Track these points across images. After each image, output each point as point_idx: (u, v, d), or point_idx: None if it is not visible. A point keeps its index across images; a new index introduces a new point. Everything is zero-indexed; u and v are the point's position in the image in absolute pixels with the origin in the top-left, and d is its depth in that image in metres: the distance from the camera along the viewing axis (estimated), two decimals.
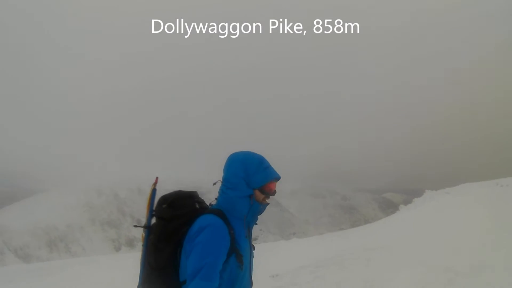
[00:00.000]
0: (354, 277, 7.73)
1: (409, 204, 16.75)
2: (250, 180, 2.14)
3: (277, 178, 2.22)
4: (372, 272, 7.75)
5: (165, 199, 2.13)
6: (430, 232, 10.32)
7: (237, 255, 2.02)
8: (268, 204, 2.20)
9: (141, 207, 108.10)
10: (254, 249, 2.28)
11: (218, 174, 2.31)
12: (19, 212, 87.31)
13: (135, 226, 2.44)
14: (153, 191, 2.16)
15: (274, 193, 2.21)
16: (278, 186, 2.31)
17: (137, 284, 2.12)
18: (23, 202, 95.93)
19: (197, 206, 2.14)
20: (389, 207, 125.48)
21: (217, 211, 2.08)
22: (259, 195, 2.17)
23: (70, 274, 11.99)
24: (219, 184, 2.24)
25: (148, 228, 2.13)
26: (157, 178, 2.24)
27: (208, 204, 2.23)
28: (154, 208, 2.15)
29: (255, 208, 2.16)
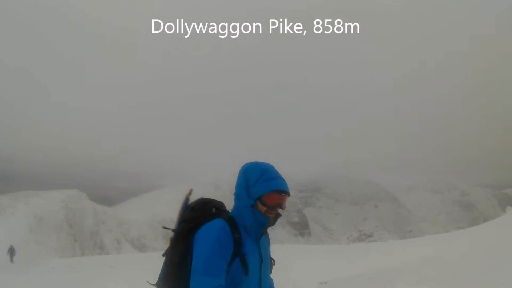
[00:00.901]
0: None
1: None
2: (250, 190, 2.14)
3: (280, 190, 2.12)
4: None
5: (190, 205, 2.27)
6: None
7: (242, 259, 2.05)
8: (274, 216, 2.15)
9: None
10: (274, 263, 2.35)
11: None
12: (138, 205, 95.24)
13: (164, 227, 2.60)
14: (186, 201, 2.30)
15: (276, 206, 2.12)
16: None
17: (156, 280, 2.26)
18: (143, 196, 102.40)
19: (213, 210, 2.23)
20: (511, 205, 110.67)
21: (228, 216, 2.16)
22: (260, 206, 2.13)
23: None
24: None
25: (174, 231, 2.26)
26: (191, 190, 2.38)
27: (227, 212, 2.29)
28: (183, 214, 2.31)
29: (259, 219, 2.14)
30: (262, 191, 2.11)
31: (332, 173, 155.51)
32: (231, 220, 2.12)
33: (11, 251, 30.08)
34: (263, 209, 2.12)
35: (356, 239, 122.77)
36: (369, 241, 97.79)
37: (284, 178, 2.20)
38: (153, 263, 10.35)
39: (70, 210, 60.89)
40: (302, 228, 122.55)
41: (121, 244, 68.47)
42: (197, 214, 2.19)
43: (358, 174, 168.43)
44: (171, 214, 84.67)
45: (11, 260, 29.55)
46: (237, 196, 2.19)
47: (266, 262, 2.25)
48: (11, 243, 32.74)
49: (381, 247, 22.51)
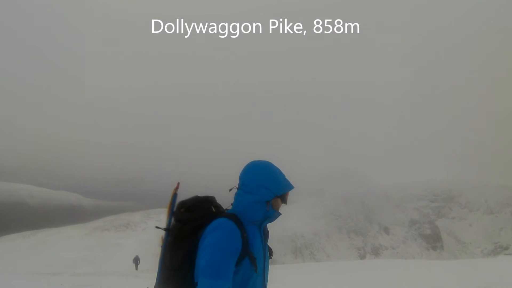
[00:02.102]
0: None
1: None
2: (273, 186, 2.26)
3: (292, 188, 2.39)
4: None
5: (183, 203, 2.27)
6: None
7: (251, 258, 2.10)
8: (280, 214, 2.34)
9: (389, 214, 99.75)
10: (272, 254, 2.45)
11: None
12: None
13: (157, 227, 2.45)
14: (174, 196, 2.30)
15: (286, 202, 2.38)
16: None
17: (154, 283, 2.24)
18: None
19: (213, 209, 2.26)
20: None
21: (231, 215, 2.18)
22: (278, 202, 2.31)
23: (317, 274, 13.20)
24: (234, 190, 2.36)
25: (167, 230, 2.25)
26: (178, 183, 2.37)
27: (225, 209, 2.34)
28: (174, 212, 2.30)
29: (270, 215, 2.28)
30: (286, 188, 2.32)
31: (466, 180, 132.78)
32: (236, 219, 2.16)
33: (136, 260, 33.08)
34: (279, 205, 2.32)
35: (491, 252, 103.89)
36: (505, 254, 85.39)
37: None
38: (282, 276, 13.34)
39: None
40: (434, 241, 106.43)
41: None
42: (195, 215, 2.20)
43: (492, 179, 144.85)
44: (303, 229, 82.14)
45: (136, 267, 32.32)
46: (253, 191, 2.24)
47: (267, 254, 2.34)
48: (136, 254, 36.02)
49: None
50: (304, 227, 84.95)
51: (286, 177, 2.38)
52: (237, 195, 2.31)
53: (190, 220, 2.18)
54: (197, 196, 2.32)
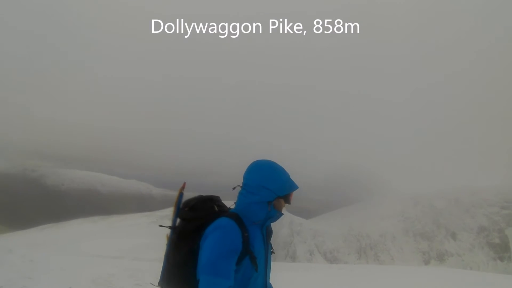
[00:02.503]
0: None
1: None
2: (275, 187, 2.26)
3: (296, 188, 2.39)
4: None
5: (187, 202, 2.32)
6: None
7: (251, 257, 2.13)
8: (282, 214, 2.34)
9: (458, 219, 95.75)
10: (273, 252, 2.46)
11: None
12: (335, 219, 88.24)
13: (160, 226, 2.57)
14: (180, 195, 2.34)
15: (290, 203, 2.38)
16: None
17: (158, 280, 2.28)
18: (340, 210, 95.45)
19: (216, 209, 2.29)
20: None
21: (234, 214, 2.22)
22: (281, 203, 2.32)
23: (375, 280, 13.13)
24: (238, 189, 2.38)
25: (172, 228, 2.30)
26: (184, 183, 2.41)
27: (228, 208, 2.38)
28: (179, 210, 2.35)
29: (272, 215, 2.29)
30: (290, 188, 2.32)
31: None
32: (237, 218, 2.19)
33: None
34: (282, 205, 2.32)
35: None
36: None
37: None
38: (345, 275, 13.33)
39: None
40: (502, 251, 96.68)
41: (313, 255, 69.42)
42: (199, 214, 2.23)
43: None
44: (367, 229, 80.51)
45: None
46: (256, 191, 2.25)
47: (269, 253, 2.37)
48: None
49: None
50: (371, 227, 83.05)
51: (293, 176, 2.38)
52: (240, 194, 2.33)
53: (193, 218, 2.22)
54: (201, 195, 2.35)
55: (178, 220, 2.30)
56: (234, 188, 2.37)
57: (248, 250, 2.12)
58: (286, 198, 2.32)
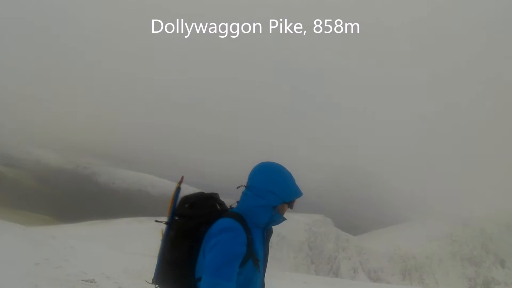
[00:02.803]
0: None
1: None
2: (282, 193, 2.20)
3: (301, 195, 2.33)
4: None
5: (187, 199, 2.23)
6: None
7: (254, 259, 2.09)
8: (285, 219, 2.29)
9: (508, 246, 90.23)
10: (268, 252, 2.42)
11: None
12: (383, 237, 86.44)
13: (156, 221, 2.48)
14: (178, 190, 2.27)
15: (292, 208, 2.34)
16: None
17: (152, 277, 2.20)
18: (388, 228, 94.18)
19: (218, 207, 2.22)
20: None
21: (237, 215, 2.14)
22: (285, 207, 2.26)
23: None
24: (241, 188, 2.31)
25: (168, 224, 2.20)
26: (182, 177, 2.36)
27: (229, 207, 2.30)
28: (176, 206, 2.24)
29: (276, 219, 2.24)
30: (295, 195, 2.26)
31: None
32: (242, 220, 2.12)
33: None
34: (285, 210, 2.26)
35: None
36: None
37: None
38: None
39: (313, 233, 64.91)
40: None
41: (357, 273, 68.79)
42: (199, 212, 2.15)
43: None
44: (415, 250, 78.77)
45: None
46: (262, 195, 2.18)
47: (267, 254, 2.33)
48: None
49: None
50: (417, 248, 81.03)
51: (297, 182, 2.33)
52: (244, 195, 2.26)
53: (195, 216, 2.14)
54: (202, 192, 2.30)
55: (175, 216, 2.22)
56: (238, 187, 2.33)
57: (252, 253, 2.08)
58: (290, 204, 2.28)
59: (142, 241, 39.58)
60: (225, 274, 1.94)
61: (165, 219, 2.29)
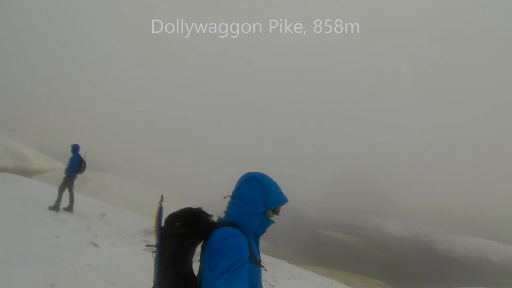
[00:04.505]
0: None
1: None
2: (268, 200, 2.28)
3: (286, 202, 2.41)
4: None
5: (175, 216, 2.15)
6: None
7: (256, 261, 2.17)
8: (273, 222, 2.38)
9: None
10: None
11: None
12: None
13: (147, 245, 2.39)
14: (160, 209, 2.23)
15: (278, 214, 2.40)
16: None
17: None
18: None
19: (211, 220, 2.22)
20: None
21: (232, 223, 2.18)
22: (270, 213, 2.34)
23: None
24: (227, 199, 2.36)
25: (159, 247, 2.14)
26: (162, 196, 2.37)
27: (218, 218, 2.32)
28: (164, 226, 2.16)
29: (266, 224, 2.33)
30: (280, 202, 2.35)
31: None
32: (237, 227, 2.18)
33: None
34: (271, 215, 2.35)
35: None
36: None
37: None
38: None
39: None
40: None
41: None
42: (196, 228, 2.13)
43: None
44: None
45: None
46: (252, 203, 2.26)
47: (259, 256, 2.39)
48: None
49: None
50: None
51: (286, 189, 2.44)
52: (233, 204, 2.28)
53: (191, 232, 2.09)
54: (190, 208, 2.23)
55: (166, 236, 2.12)
56: (225, 198, 2.36)
57: (253, 256, 2.13)
58: (275, 210, 2.34)
59: None
60: (239, 275, 1.94)
61: None
